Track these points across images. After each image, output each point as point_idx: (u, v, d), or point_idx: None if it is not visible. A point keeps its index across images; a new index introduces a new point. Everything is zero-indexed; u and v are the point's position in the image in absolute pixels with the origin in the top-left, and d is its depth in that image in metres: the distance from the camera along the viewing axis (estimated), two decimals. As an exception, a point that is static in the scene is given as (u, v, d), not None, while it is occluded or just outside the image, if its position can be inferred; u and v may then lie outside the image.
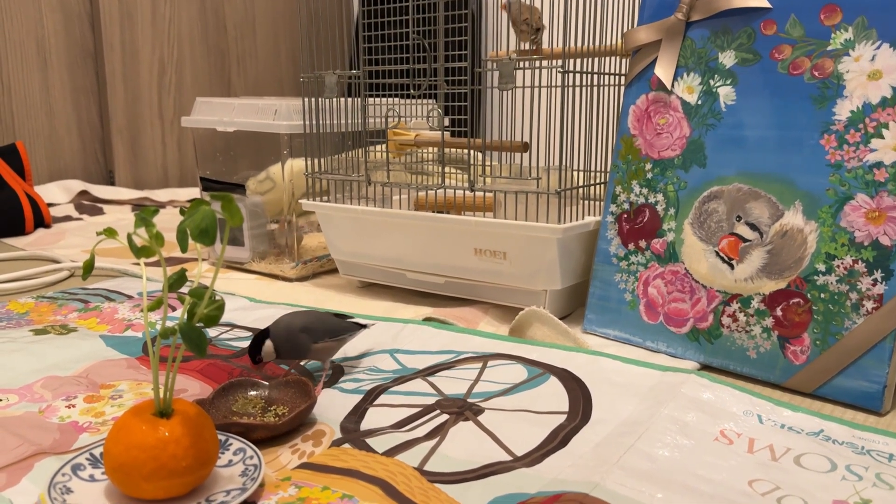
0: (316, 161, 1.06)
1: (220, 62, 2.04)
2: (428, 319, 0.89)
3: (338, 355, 0.79)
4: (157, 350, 0.52)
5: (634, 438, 0.59)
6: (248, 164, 1.21)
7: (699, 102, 0.80)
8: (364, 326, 0.76)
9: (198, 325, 0.51)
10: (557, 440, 0.61)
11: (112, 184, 1.90)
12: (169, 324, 0.52)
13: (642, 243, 0.83)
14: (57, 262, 1.23)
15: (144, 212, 0.49)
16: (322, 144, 1.05)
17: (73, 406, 0.69)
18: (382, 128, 1.05)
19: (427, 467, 0.58)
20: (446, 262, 0.94)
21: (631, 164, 0.84)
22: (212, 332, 0.89)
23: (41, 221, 1.48)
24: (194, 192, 1.88)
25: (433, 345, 0.82)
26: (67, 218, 1.59)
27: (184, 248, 0.54)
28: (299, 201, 1.07)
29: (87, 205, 1.69)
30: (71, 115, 1.82)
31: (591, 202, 0.98)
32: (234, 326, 0.91)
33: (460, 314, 0.90)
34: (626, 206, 0.84)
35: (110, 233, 0.55)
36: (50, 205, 1.62)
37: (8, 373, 0.76)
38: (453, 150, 1.22)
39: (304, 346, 0.71)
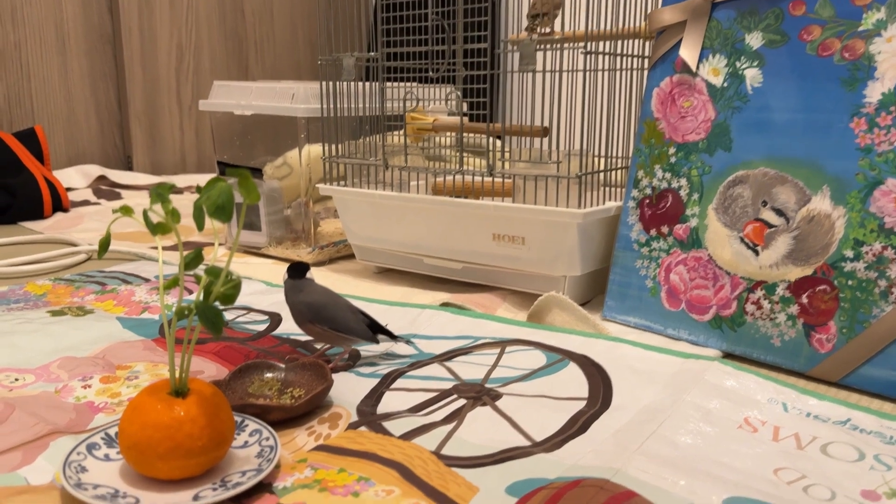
0: (333, 145, 1.05)
1: (238, 47, 2.04)
2: (445, 305, 0.88)
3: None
4: (173, 329, 0.52)
5: (656, 425, 0.58)
6: (266, 150, 1.20)
7: (725, 85, 0.78)
8: (395, 338, 0.74)
9: (214, 304, 0.51)
10: (577, 426, 0.60)
11: (130, 169, 1.91)
12: (185, 304, 0.52)
13: (664, 229, 0.81)
14: (74, 245, 1.23)
15: (160, 187, 0.48)
16: (339, 129, 1.05)
17: (89, 386, 0.69)
18: (400, 112, 1.04)
19: (444, 451, 0.57)
20: (464, 248, 0.92)
21: (654, 147, 0.82)
22: (228, 315, 0.89)
23: (59, 205, 1.48)
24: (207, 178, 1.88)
25: (450, 330, 0.81)
26: (85, 202, 1.60)
27: (200, 226, 0.53)
28: (316, 186, 1.06)
29: (105, 189, 1.69)
30: (89, 99, 1.82)
31: (612, 189, 0.97)
32: (250, 310, 0.91)
33: (478, 300, 0.89)
34: (648, 190, 0.83)
35: (126, 210, 0.54)
36: (68, 189, 1.62)
37: (25, 353, 0.76)
38: (471, 136, 1.21)
39: (301, 318, 0.71)
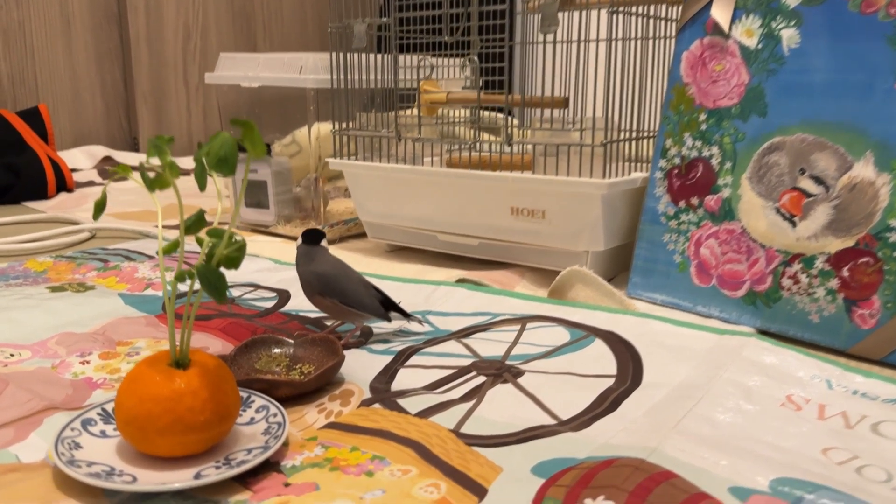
0: (343, 118, 1.01)
1: (246, 27, 1.99)
2: (461, 281, 0.84)
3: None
4: (172, 296, 0.48)
5: (693, 402, 0.54)
6: (274, 127, 1.17)
7: (759, 46, 0.73)
8: (408, 316, 0.70)
9: (217, 268, 0.47)
10: (606, 404, 0.56)
11: (136, 150, 1.87)
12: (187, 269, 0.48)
13: (694, 200, 0.77)
14: (77, 223, 1.19)
15: (158, 139, 0.44)
16: (350, 101, 1.00)
17: (88, 362, 0.65)
18: (413, 85, 1.00)
19: (463, 430, 0.53)
20: (481, 223, 0.88)
21: (683, 114, 0.78)
22: (234, 292, 0.85)
23: (64, 185, 1.45)
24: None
25: (467, 307, 0.77)
26: (90, 183, 1.56)
27: (202, 185, 0.49)
28: (326, 160, 1.02)
29: (111, 171, 1.66)
30: (94, 79, 1.79)
31: (637, 164, 0.92)
32: (257, 287, 0.87)
33: (495, 277, 0.85)
34: (677, 160, 0.78)
35: (124, 169, 0.51)
36: (73, 170, 1.59)
37: (22, 328, 0.72)
38: (487, 114, 1.16)
39: (310, 289, 0.67)
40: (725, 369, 0.58)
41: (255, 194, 1.12)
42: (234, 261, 0.47)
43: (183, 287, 0.48)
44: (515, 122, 0.96)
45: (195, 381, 0.47)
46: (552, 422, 0.54)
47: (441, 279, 0.87)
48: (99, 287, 0.86)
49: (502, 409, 0.56)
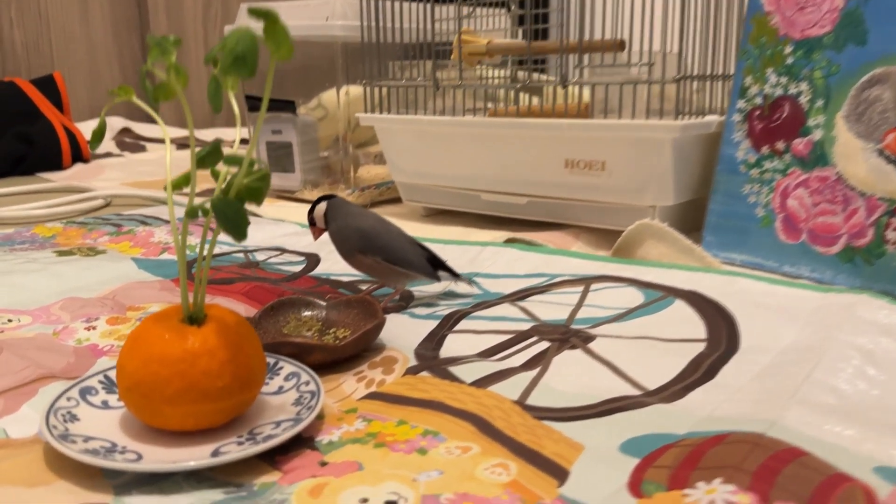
0: (375, 71, 0.92)
1: (269, -6, 1.91)
2: (510, 241, 0.75)
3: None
4: (184, 234, 0.40)
5: (809, 368, 0.45)
6: (298, 89, 1.08)
7: (858, -36, 0.63)
8: (453, 275, 0.61)
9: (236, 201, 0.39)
10: (701, 371, 0.47)
11: (155, 122, 1.80)
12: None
13: (780, 145, 0.67)
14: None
15: (163, 39, 0.36)
16: (382, 52, 0.92)
17: (94, 328, 0.57)
18: (449, 41, 0.91)
19: (529, 402, 0.44)
20: (530, 179, 0.79)
21: (765, 48, 0.68)
22: (259, 256, 0.77)
23: (79, 156, 1.38)
24: (242, 133, 1.76)
25: (519, 268, 0.68)
26: (108, 155, 1.49)
27: (217, 105, 0.41)
28: (357, 115, 0.94)
29: (130, 142, 1.59)
30: (112, 48, 1.71)
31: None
32: (283, 251, 0.79)
33: (547, 239, 0.76)
34: (758, 100, 0.69)
35: (124, 90, 0.42)
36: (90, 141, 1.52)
37: (24, 293, 0.65)
38: (527, 73, 1.07)
39: (348, 246, 0.59)
40: (840, 330, 0.49)
41: (279, 157, 1.04)
42: (256, 192, 0.39)
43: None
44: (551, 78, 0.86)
45: (212, 340, 0.39)
46: (636, 392, 0.45)
47: (486, 240, 0.78)
48: (111, 251, 0.79)
49: (573, 377, 0.47)
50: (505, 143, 0.79)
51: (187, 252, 0.78)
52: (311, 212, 0.62)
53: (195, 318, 0.40)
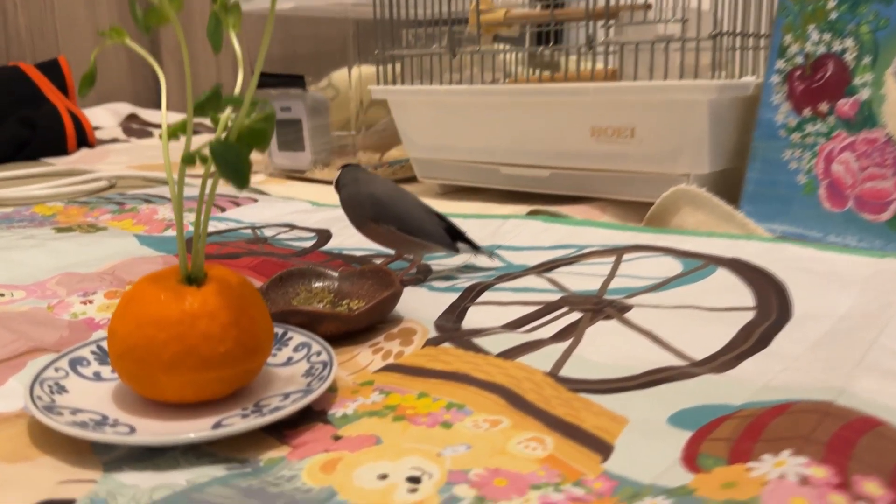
0: (388, 41, 0.88)
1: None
2: (534, 213, 0.71)
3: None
4: (180, 183, 0.36)
5: (874, 334, 0.40)
6: (308, 67, 1.04)
7: None
8: (472, 247, 0.57)
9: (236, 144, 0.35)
10: (752, 340, 0.42)
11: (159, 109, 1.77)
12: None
13: (823, 106, 0.63)
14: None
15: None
16: (395, 25, 0.87)
17: (91, 302, 0.54)
18: (465, 17, 0.87)
19: (563, 374, 0.40)
20: (553, 149, 0.75)
21: (806, 3, 0.64)
22: (267, 232, 0.73)
23: (85, 140, 1.34)
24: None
25: (545, 240, 0.64)
26: (114, 140, 1.46)
27: (217, 44, 0.37)
28: (368, 87, 0.89)
29: (136, 129, 1.56)
30: (118, 33, 1.68)
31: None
32: (293, 227, 0.75)
33: (571, 213, 0.72)
34: (799, 59, 0.64)
35: (118, 33, 0.39)
36: (96, 129, 1.49)
37: (19, 268, 0.61)
38: (544, 52, 1.03)
39: (361, 214, 0.55)
40: (903, 296, 0.44)
41: (288, 135, 1.00)
42: (260, 134, 0.35)
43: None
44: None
45: (213, 301, 0.35)
46: (681, 363, 0.41)
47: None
48: (112, 229, 0.75)
49: (610, 348, 0.43)
50: (526, 111, 0.75)
51: (186, 227, 0.74)
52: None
53: (194, 277, 0.36)
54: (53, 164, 1.21)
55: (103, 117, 1.58)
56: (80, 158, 1.26)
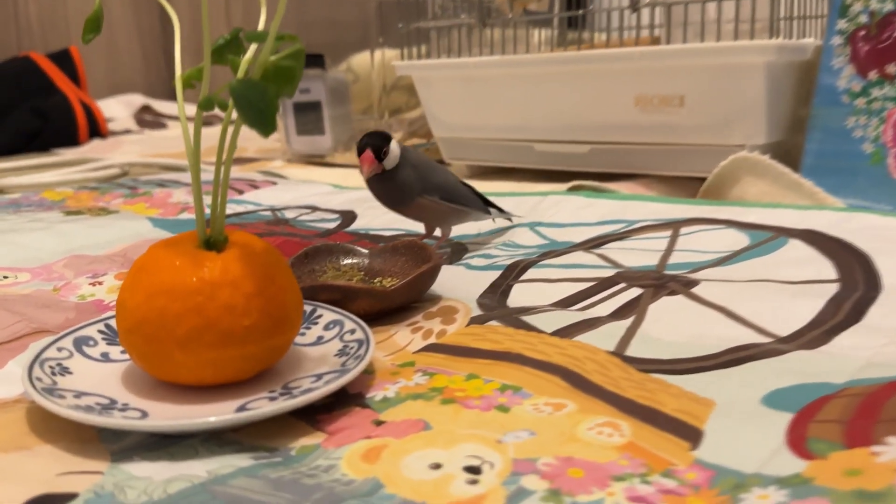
0: (413, 14, 0.83)
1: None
2: (575, 189, 0.66)
3: (453, 232, 0.56)
4: (197, 131, 0.31)
5: None
6: (325, 48, 1.00)
7: None
8: (503, 213, 0.56)
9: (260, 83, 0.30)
10: (843, 314, 0.37)
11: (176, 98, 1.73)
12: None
13: (891, 69, 0.57)
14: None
15: None
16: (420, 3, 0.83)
17: (100, 283, 0.50)
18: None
19: (629, 353, 0.36)
20: (593, 122, 0.70)
21: (873, -45, 0.59)
22: (289, 214, 0.69)
23: (97, 131, 1.31)
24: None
25: (589, 215, 0.59)
26: (127, 132, 1.42)
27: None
28: (392, 63, 0.85)
29: (150, 120, 1.52)
30: (131, 23, 1.65)
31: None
32: (315, 209, 0.71)
33: (616, 189, 0.67)
34: (863, 18, 0.59)
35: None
36: (109, 120, 1.45)
37: (25, 251, 0.57)
38: (582, 16, 0.98)
39: (408, 185, 0.49)
40: None
41: (307, 118, 0.96)
42: (286, 73, 0.30)
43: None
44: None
45: (235, 268, 0.30)
46: (765, 339, 0.36)
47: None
48: (124, 212, 0.71)
49: (678, 325, 0.38)
50: (563, 82, 0.70)
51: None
52: (383, 145, 0.49)
53: (214, 242, 0.32)
54: (65, 154, 1.18)
55: (116, 108, 1.54)
56: (91, 149, 1.22)
